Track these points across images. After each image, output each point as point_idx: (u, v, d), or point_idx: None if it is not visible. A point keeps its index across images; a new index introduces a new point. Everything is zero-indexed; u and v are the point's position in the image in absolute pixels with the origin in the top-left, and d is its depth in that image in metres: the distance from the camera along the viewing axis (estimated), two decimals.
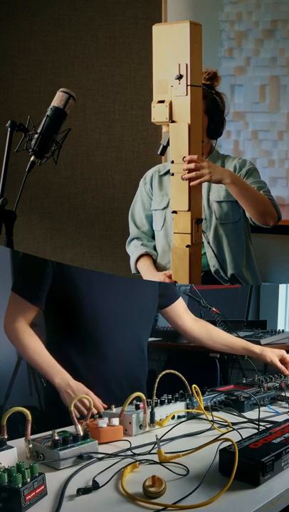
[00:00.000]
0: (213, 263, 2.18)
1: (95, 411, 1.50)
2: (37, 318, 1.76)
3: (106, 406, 1.56)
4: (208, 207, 2.18)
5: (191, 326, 1.97)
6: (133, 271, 2.31)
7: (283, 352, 1.92)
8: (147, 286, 1.98)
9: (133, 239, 2.36)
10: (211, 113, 2.14)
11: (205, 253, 2.17)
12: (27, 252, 1.88)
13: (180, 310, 1.97)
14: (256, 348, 1.94)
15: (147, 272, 2.23)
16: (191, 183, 1.88)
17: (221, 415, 1.53)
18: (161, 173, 2.31)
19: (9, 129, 1.79)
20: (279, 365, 1.90)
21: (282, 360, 1.92)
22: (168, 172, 2.10)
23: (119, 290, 1.83)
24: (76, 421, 1.28)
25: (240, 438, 1.24)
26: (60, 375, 1.62)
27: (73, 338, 1.73)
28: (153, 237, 2.34)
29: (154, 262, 2.28)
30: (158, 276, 2.14)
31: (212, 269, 2.18)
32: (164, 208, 2.25)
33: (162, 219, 2.25)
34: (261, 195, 2.07)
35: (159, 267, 2.26)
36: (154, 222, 2.31)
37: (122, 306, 1.81)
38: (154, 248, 2.31)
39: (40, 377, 2.02)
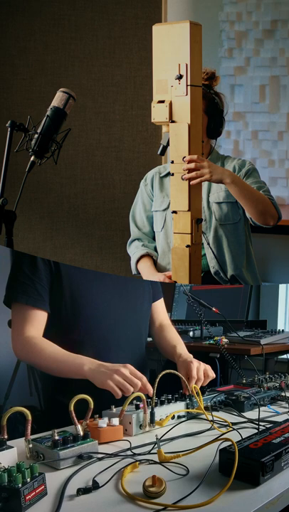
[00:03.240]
0: (213, 264, 2.18)
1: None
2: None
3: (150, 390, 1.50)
4: (207, 208, 2.18)
5: (156, 328, 1.96)
6: (134, 272, 2.31)
7: (193, 368, 1.66)
8: (144, 284, 1.97)
9: (134, 240, 2.36)
10: (210, 113, 2.14)
11: (205, 254, 2.17)
12: (25, 252, 1.86)
13: (157, 311, 1.97)
14: (178, 357, 1.75)
15: (148, 273, 2.23)
16: (192, 182, 1.88)
17: (221, 415, 1.53)
18: (161, 174, 2.31)
19: (9, 129, 1.78)
20: (183, 379, 1.64)
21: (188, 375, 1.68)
22: (168, 174, 2.10)
23: (118, 289, 1.83)
24: (76, 421, 1.28)
25: (240, 438, 1.24)
26: (87, 362, 1.54)
27: (75, 339, 1.71)
28: (154, 238, 2.34)
29: (155, 263, 2.28)
30: (158, 277, 2.14)
31: (212, 270, 2.18)
32: (164, 209, 2.25)
33: (162, 220, 2.25)
34: (261, 195, 2.07)
35: (159, 268, 2.26)
36: (154, 223, 2.31)
37: (123, 305, 1.81)
38: (155, 249, 2.31)
39: (40, 378, 2.02)
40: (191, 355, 1.75)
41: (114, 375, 1.47)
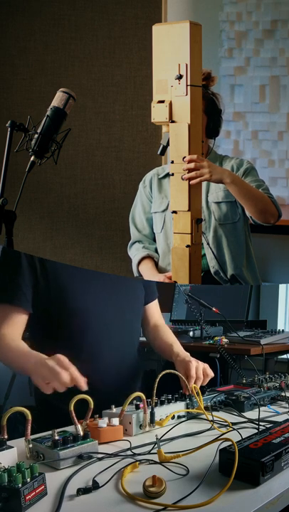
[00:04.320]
0: (213, 264, 2.18)
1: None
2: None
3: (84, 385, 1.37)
4: (206, 208, 2.18)
5: (150, 329, 1.93)
6: (135, 274, 2.32)
7: (192, 367, 1.65)
8: (135, 284, 1.93)
9: (134, 242, 2.36)
10: (209, 113, 2.14)
11: (205, 254, 2.18)
12: (25, 252, 1.83)
13: (152, 311, 1.94)
14: (176, 356, 1.73)
15: (149, 275, 2.23)
16: (191, 182, 1.88)
17: (221, 415, 1.53)
18: (160, 176, 2.31)
19: (9, 129, 1.79)
20: (183, 379, 1.63)
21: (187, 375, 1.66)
22: (167, 175, 2.10)
23: (108, 288, 1.78)
24: (76, 421, 1.28)
25: (240, 438, 1.24)
26: (34, 358, 1.45)
27: (64, 340, 1.67)
28: (154, 240, 2.34)
29: (156, 265, 2.29)
30: (158, 278, 2.14)
31: (212, 270, 2.19)
32: (163, 211, 2.25)
33: (162, 221, 2.26)
34: (261, 194, 2.07)
35: (160, 269, 2.26)
36: (154, 225, 2.31)
37: (113, 305, 1.76)
38: (156, 251, 2.32)
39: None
40: (189, 354, 1.74)
41: (39, 369, 1.38)
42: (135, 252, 2.33)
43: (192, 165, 1.86)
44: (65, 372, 1.36)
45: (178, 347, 1.80)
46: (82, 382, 1.37)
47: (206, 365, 1.69)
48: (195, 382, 1.62)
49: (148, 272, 2.25)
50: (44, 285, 1.66)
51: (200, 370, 1.65)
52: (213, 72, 2.19)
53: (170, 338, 1.88)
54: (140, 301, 1.90)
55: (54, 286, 1.67)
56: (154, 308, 1.96)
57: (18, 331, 1.62)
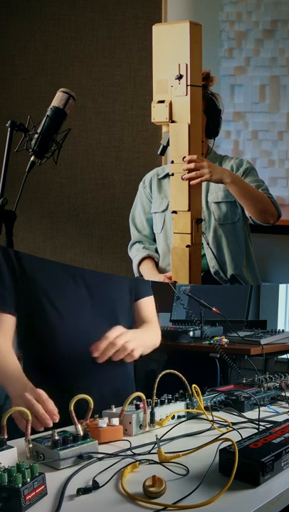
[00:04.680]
0: (212, 264, 2.18)
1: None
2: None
3: (56, 418, 1.38)
4: (206, 208, 2.18)
5: (138, 325, 1.86)
6: (136, 274, 2.32)
7: (113, 330, 1.62)
8: (123, 281, 1.90)
9: (135, 243, 2.36)
10: (209, 113, 2.14)
11: (204, 254, 2.18)
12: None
13: (142, 308, 1.88)
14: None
15: (150, 275, 2.24)
16: (191, 182, 1.88)
17: (221, 415, 1.54)
18: (160, 176, 2.31)
19: (9, 129, 1.79)
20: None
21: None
22: (167, 175, 2.10)
23: (93, 287, 1.73)
24: (76, 421, 1.28)
25: (240, 438, 1.24)
26: (15, 385, 1.45)
27: (49, 342, 1.64)
28: (154, 240, 2.34)
29: (157, 265, 2.29)
30: (158, 278, 2.14)
31: (212, 270, 2.19)
32: (163, 211, 2.25)
33: (162, 221, 2.26)
34: (260, 194, 2.07)
35: (160, 270, 2.26)
36: (154, 225, 2.32)
37: (99, 303, 1.72)
38: (156, 251, 2.32)
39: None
40: (147, 324, 1.74)
41: (17, 400, 1.39)
42: (136, 253, 2.33)
43: (192, 165, 1.86)
44: (36, 405, 1.36)
45: (146, 316, 1.76)
46: (49, 420, 1.37)
47: (134, 341, 1.61)
48: (107, 348, 1.55)
49: (148, 273, 2.25)
50: (24, 285, 1.63)
51: (120, 339, 1.58)
52: (213, 72, 2.19)
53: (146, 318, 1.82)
54: (127, 299, 1.84)
55: (33, 284, 1.64)
56: (144, 304, 1.90)
57: (5, 337, 1.60)
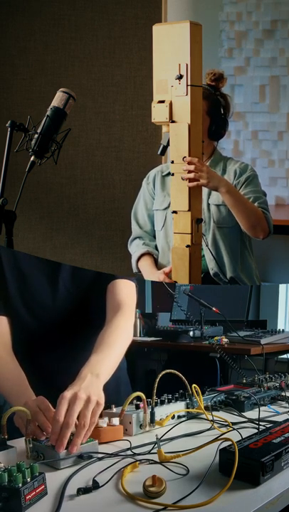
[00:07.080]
0: (212, 266, 2.18)
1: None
2: None
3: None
4: (207, 210, 2.18)
5: (109, 309, 1.57)
6: (134, 270, 2.32)
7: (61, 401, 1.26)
8: (100, 274, 1.69)
9: (135, 238, 2.37)
10: (213, 114, 2.14)
11: (204, 255, 2.18)
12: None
13: (114, 287, 1.60)
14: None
15: (148, 271, 2.24)
16: (189, 184, 1.89)
17: (221, 415, 1.53)
18: (164, 173, 2.31)
19: (9, 129, 1.79)
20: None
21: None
22: (170, 173, 2.09)
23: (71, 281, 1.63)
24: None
25: (240, 438, 1.24)
26: (16, 393, 1.37)
27: (35, 339, 1.59)
28: (155, 237, 2.34)
29: (156, 261, 2.29)
30: (157, 275, 2.14)
31: (211, 272, 2.19)
32: (165, 209, 2.25)
33: (163, 219, 2.26)
34: (255, 208, 2.08)
35: (159, 267, 2.27)
36: (155, 222, 2.32)
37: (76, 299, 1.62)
38: (156, 247, 2.32)
39: None
40: (93, 374, 1.32)
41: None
42: (135, 249, 2.33)
43: (192, 167, 1.87)
44: (41, 414, 1.27)
45: (95, 359, 1.38)
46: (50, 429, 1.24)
47: (97, 403, 1.26)
48: (62, 433, 1.18)
49: (147, 269, 2.25)
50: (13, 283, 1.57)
51: (71, 415, 1.19)
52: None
53: (103, 341, 1.46)
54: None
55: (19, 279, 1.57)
56: (120, 285, 1.61)
57: (4, 345, 1.53)
